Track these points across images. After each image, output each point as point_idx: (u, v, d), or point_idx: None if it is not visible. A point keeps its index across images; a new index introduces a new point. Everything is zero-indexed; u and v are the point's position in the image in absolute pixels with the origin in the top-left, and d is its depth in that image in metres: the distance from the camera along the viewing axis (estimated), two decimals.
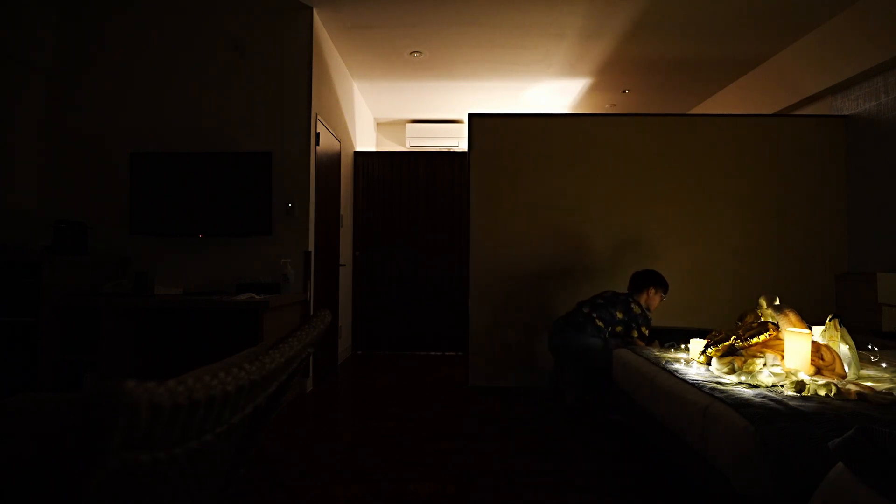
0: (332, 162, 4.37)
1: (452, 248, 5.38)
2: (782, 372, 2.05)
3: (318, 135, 3.84)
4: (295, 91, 3.69)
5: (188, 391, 0.64)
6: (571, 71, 4.94)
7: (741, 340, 2.21)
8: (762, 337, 2.19)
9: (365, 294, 5.36)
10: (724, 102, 5.37)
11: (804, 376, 2.01)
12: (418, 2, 3.67)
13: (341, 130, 4.74)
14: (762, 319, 2.39)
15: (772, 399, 1.75)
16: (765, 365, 2.10)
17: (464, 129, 6.24)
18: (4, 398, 1.34)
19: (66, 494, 0.59)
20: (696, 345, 2.53)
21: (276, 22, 3.70)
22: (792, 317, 2.30)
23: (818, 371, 2.07)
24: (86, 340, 3.08)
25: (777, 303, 2.43)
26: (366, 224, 5.40)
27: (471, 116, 4.05)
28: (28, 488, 0.86)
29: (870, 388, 1.85)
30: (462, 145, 6.35)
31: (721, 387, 1.94)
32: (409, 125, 6.58)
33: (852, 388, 1.82)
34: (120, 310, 3.15)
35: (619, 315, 3.27)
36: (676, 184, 3.98)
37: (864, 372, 2.19)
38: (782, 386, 1.94)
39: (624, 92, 5.52)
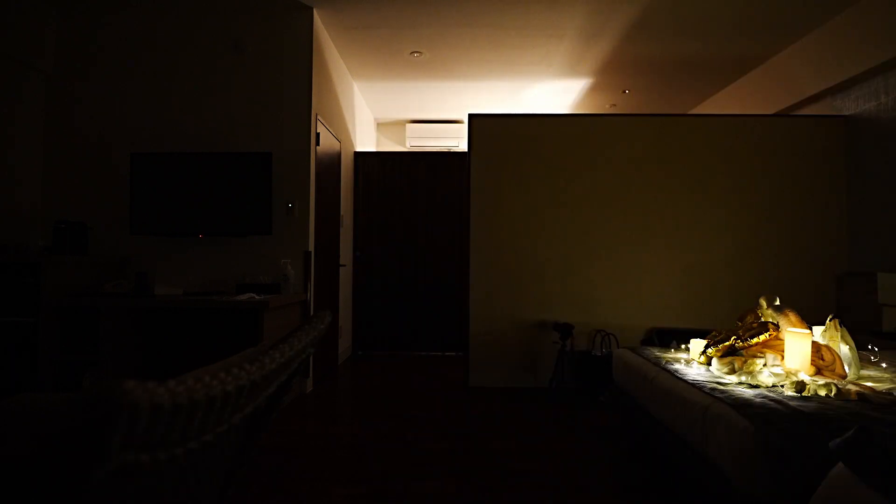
0: (332, 162, 4.36)
1: (452, 248, 5.37)
2: (783, 372, 2.05)
3: (318, 135, 3.84)
4: (295, 91, 3.69)
5: (188, 391, 0.64)
6: (571, 71, 4.94)
7: (741, 340, 2.21)
8: (762, 337, 2.18)
9: (365, 294, 5.36)
10: (724, 102, 5.37)
11: (804, 376, 2.01)
12: (418, 2, 3.67)
13: (341, 130, 4.74)
14: (762, 319, 2.39)
15: (772, 399, 1.75)
16: (765, 365, 2.10)
17: (464, 129, 6.24)
18: (4, 398, 1.34)
19: (66, 494, 0.59)
20: (697, 345, 2.53)
21: (276, 22, 3.70)
22: (792, 317, 2.30)
23: (818, 371, 2.07)
24: (86, 340, 3.08)
25: (777, 303, 2.43)
26: (366, 224, 5.40)
27: (471, 116, 4.05)
28: (28, 488, 0.86)
29: (870, 388, 1.85)
30: (462, 145, 6.35)
31: (721, 387, 1.94)
32: (409, 125, 6.58)
33: (852, 388, 1.82)
34: (120, 310, 3.15)
35: None
36: (676, 184, 3.98)
37: (865, 372, 2.19)
38: (782, 386, 1.94)
39: (624, 92, 5.52)
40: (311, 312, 3.72)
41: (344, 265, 4.81)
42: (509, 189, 4.01)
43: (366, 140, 6.00)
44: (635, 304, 3.95)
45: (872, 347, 2.59)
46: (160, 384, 0.60)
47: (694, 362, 2.42)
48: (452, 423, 3.06)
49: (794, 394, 1.84)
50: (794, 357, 2.07)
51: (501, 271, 3.99)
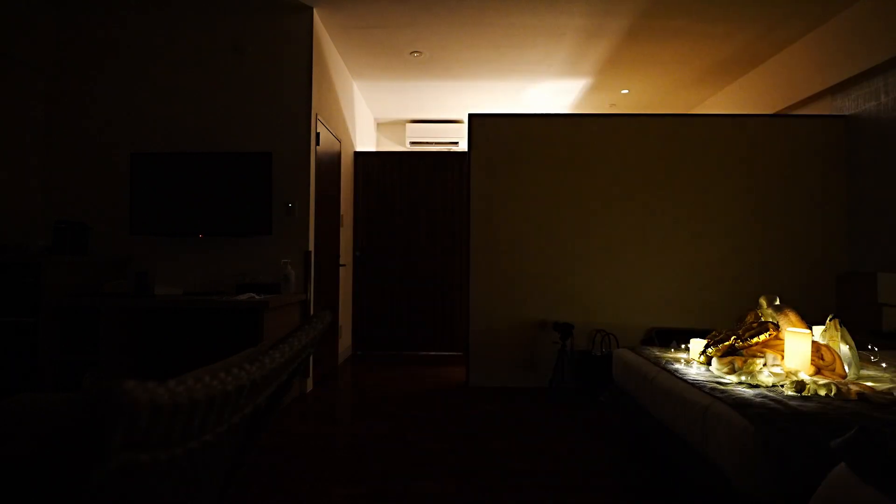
0: (332, 162, 4.36)
1: (452, 247, 5.37)
2: (782, 372, 2.05)
3: (318, 135, 3.84)
4: (295, 91, 3.69)
5: (188, 391, 0.64)
6: (571, 71, 4.94)
7: (741, 340, 2.21)
8: (762, 337, 2.18)
9: (365, 294, 5.35)
10: (725, 102, 5.37)
11: (804, 376, 2.01)
12: (418, 2, 3.67)
13: (341, 130, 4.74)
14: (762, 319, 2.39)
15: (772, 399, 1.75)
16: (765, 365, 2.10)
17: (464, 129, 6.24)
18: (4, 398, 1.34)
19: (66, 494, 0.59)
20: (696, 345, 2.53)
21: (276, 22, 3.70)
22: (792, 317, 2.30)
23: (818, 371, 2.07)
24: (86, 340, 3.08)
25: (777, 303, 2.43)
26: (366, 224, 5.40)
27: (471, 116, 4.05)
28: (28, 488, 0.86)
29: (870, 388, 1.85)
30: (462, 145, 6.35)
31: (721, 387, 1.94)
32: (409, 125, 6.58)
33: (852, 388, 1.82)
34: (120, 310, 3.14)
35: None
36: (676, 184, 3.98)
37: (865, 372, 2.19)
38: (782, 386, 1.94)
39: (624, 92, 5.52)
40: (311, 312, 3.72)
41: (344, 265, 4.81)
42: (509, 189, 4.01)
43: (366, 140, 6.00)
44: (635, 304, 3.95)
45: (872, 347, 2.59)
46: (160, 384, 0.60)
47: (694, 362, 2.42)
48: (452, 423, 3.06)
49: (794, 394, 1.84)
50: (794, 357, 2.07)
51: (501, 271, 3.99)
